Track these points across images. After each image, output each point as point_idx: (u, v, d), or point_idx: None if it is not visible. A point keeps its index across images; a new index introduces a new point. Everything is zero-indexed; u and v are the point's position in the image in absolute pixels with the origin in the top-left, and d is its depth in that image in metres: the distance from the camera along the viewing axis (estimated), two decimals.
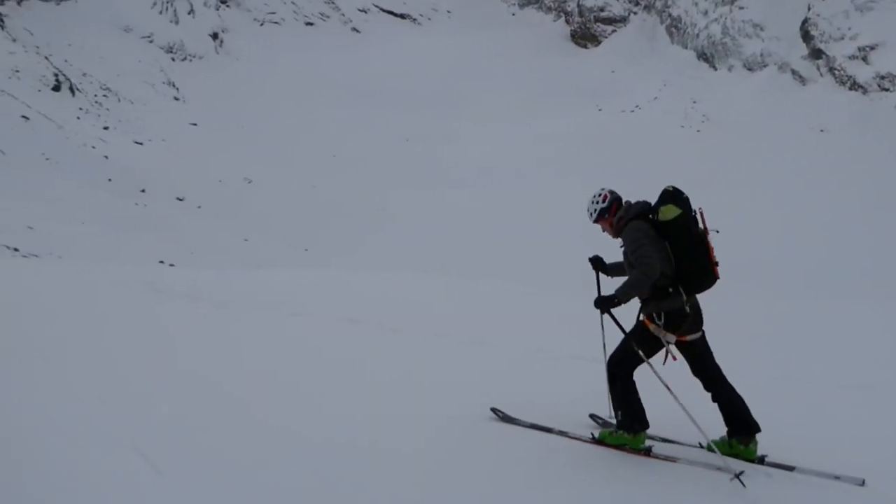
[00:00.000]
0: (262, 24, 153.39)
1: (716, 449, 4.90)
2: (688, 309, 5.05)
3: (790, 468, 4.97)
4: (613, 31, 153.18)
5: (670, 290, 4.99)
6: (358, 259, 45.45)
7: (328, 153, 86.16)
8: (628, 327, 5.41)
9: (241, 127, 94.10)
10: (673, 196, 5.07)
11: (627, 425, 5.16)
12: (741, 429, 5.09)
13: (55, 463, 4.36)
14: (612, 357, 5.28)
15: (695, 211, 5.08)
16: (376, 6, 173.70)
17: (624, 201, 5.42)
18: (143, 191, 55.24)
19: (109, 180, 55.50)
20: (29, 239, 31.23)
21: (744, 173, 66.58)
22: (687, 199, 5.04)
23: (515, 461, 5.01)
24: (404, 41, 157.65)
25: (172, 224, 47.06)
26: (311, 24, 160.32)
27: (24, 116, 60.45)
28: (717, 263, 4.97)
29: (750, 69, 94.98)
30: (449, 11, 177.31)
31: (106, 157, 60.39)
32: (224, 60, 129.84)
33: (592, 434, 5.41)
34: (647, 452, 5.16)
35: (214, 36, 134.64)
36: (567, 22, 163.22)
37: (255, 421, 5.24)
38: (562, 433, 5.43)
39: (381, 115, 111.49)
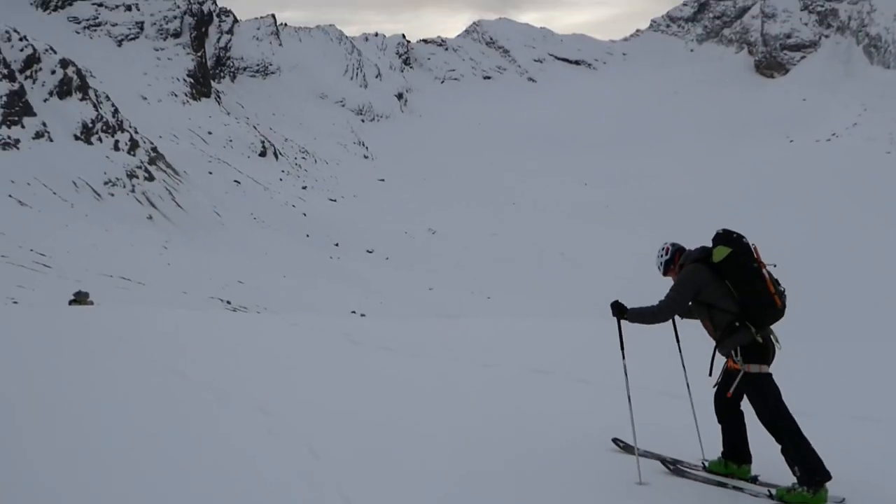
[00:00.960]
0: (442, 82, 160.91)
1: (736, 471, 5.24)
2: (761, 340, 5.09)
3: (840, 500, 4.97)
4: (802, 57, 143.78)
5: (737, 324, 5.09)
6: (541, 305, 45.40)
7: (507, 201, 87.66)
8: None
9: (424, 179, 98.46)
10: (722, 238, 5.20)
11: (808, 480, 4.84)
12: (736, 455, 5.32)
13: None
14: (762, 417, 5.15)
15: (752, 246, 5.15)
16: (551, 55, 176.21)
17: (688, 250, 5.56)
18: (336, 244, 59.24)
19: (307, 236, 60.13)
20: (239, 292, 34.35)
21: None
22: (738, 238, 5.15)
23: None
24: (580, 86, 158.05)
25: (363, 275, 49.85)
26: (488, 77, 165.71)
27: (235, 181, 67.40)
28: (778, 293, 5.04)
29: None
30: (624, 54, 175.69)
31: (304, 214, 65.62)
32: (408, 118, 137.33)
33: (770, 492, 5.07)
34: (744, 477, 5.12)
35: (399, 96, 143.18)
36: (750, 52, 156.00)
37: (458, 470, 5.34)
38: (737, 489, 5.15)
39: (559, 160, 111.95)
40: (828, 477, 4.83)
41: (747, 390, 5.12)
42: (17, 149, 45.30)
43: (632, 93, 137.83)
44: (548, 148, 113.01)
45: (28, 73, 50.86)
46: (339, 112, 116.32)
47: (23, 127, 46.77)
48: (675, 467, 5.45)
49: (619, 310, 5.45)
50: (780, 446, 4.98)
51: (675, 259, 5.53)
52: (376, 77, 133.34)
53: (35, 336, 9.51)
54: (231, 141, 78.94)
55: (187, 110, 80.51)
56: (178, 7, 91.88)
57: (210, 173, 64.81)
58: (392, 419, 6.64)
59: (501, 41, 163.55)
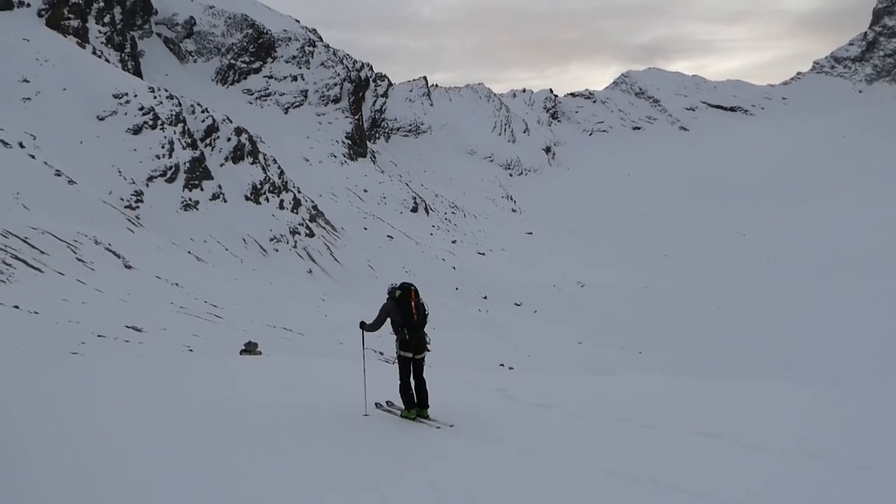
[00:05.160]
0: (590, 134, 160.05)
1: (415, 416, 9.18)
2: (408, 337, 9.04)
3: (450, 425, 8.76)
4: None
5: (400, 329, 9.03)
6: (695, 360, 43.08)
7: (659, 253, 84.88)
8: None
9: (573, 232, 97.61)
10: (400, 286, 9.16)
11: (405, 406, 9.17)
12: (422, 404, 9.15)
13: None
14: (400, 377, 9.18)
15: (413, 291, 9.13)
16: (704, 103, 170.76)
17: (391, 290, 9.31)
18: (485, 297, 59.60)
19: (456, 289, 60.96)
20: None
21: None
22: (406, 287, 9.14)
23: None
24: (735, 134, 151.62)
25: (511, 328, 49.64)
26: (637, 127, 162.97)
27: (388, 236, 69.94)
28: (416, 318, 9.03)
29: None
30: (784, 98, 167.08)
31: (454, 267, 66.73)
32: (556, 171, 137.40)
33: (401, 413, 9.29)
34: (414, 419, 9.07)
35: (547, 150, 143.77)
36: None
37: None
38: (420, 422, 9.02)
39: (712, 210, 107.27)
40: (413, 407, 9.14)
41: (398, 363, 9.15)
42: (197, 210, 49.61)
43: (794, 138, 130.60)
44: (701, 198, 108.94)
45: (208, 140, 55.94)
46: (487, 167, 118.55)
47: (202, 190, 51.26)
48: (385, 406, 9.83)
49: (360, 325, 9.59)
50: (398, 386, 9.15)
51: (389, 295, 9.21)
52: (524, 132, 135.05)
53: (211, 383, 10.15)
54: (385, 198, 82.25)
55: (345, 170, 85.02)
56: (339, 75, 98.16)
57: (365, 229, 67.68)
58: (553, 485, 6.45)
59: (651, 91, 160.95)
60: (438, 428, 8.59)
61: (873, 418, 9.04)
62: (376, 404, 9.87)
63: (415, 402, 9.08)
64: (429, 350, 9.27)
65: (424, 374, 9.26)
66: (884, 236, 76.36)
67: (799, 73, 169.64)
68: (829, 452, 7.40)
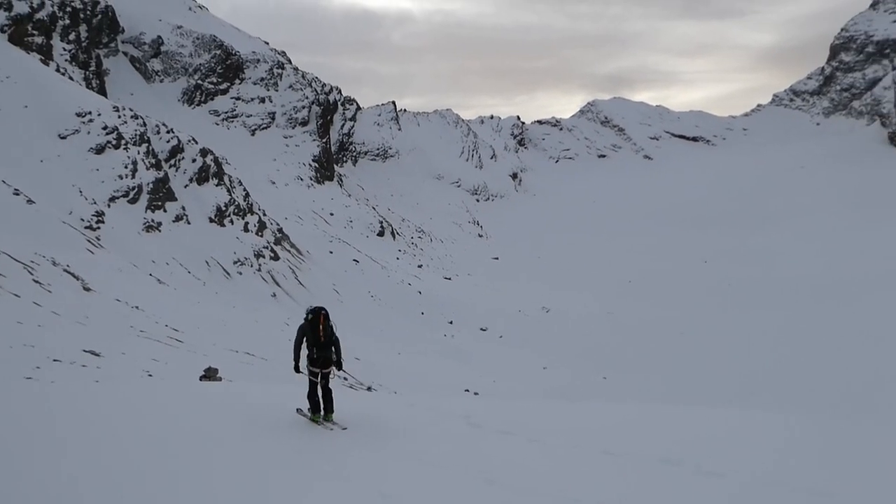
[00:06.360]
0: (557, 161, 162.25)
1: (321, 419, 10.51)
2: (315, 356, 10.37)
3: (344, 428, 10.23)
4: None
5: (311, 347, 10.32)
6: (657, 387, 43.42)
7: (623, 279, 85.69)
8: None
9: (539, 258, 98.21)
10: (313, 310, 10.42)
11: (311, 410, 10.48)
12: (327, 409, 10.53)
13: None
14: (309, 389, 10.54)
15: (322, 315, 10.40)
16: (668, 132, 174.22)
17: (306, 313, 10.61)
18: (450, 322, 59.49)
19: (422, 313, 60.78)
20: (355, 368, 34.85)
21: None
22: (317, 311, 10.41)
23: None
24: (698, 163, 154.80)
25: (476, 353, 49.59)
26: (603, 155, 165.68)
27: (355, 260, 69.57)
28: (322, 339, 10.32)
29: None
30: (745, 129, 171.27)
31: (420, 292, 66.56)
32: (522, 197, 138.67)
33: (309, 416, 10.58)
34: (318, 423, 10.39)
35: (514, 176, 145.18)
36: (883, 124, 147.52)
37: None
38: (325, 425, 10.36)
39: (676, 237, 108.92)
40: (318, 412, 10.43)
41: (308, 375, 10.38)
42: (159, 231, 48.87)
43: (754, 168, 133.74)
44: (665, 225, 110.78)
45: (172, 161, 55.28)
46: (454, 192, 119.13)
47: (165, 211, 50.54)
48: (303, 411, 10.87)
49: (295, 369, 10.67)
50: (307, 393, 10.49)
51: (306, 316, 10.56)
52: (491, 158, 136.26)
53: (171, 411, 9.95)
54: (351, 221, 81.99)
55: (312, 193, 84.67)
56: (307, 98, 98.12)
57: (331, 252, 67.31)
58: None
59: (616, 120, 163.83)
60: (331, 430, 10.08)
61: (834, 446, 9.17)
62: (297, 409, 11.09)
63: (320, 408, 10.48)
64: (336, 366, 10.51)
65: (330, 385, 10.68)
66: (842, 264, 78.14)
67: (759, 106, 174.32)
68: (788, 480, 7.48)
